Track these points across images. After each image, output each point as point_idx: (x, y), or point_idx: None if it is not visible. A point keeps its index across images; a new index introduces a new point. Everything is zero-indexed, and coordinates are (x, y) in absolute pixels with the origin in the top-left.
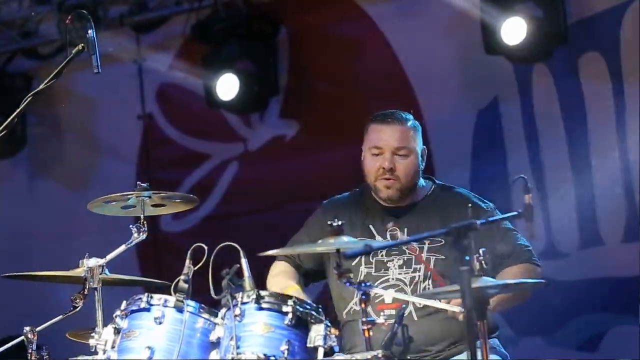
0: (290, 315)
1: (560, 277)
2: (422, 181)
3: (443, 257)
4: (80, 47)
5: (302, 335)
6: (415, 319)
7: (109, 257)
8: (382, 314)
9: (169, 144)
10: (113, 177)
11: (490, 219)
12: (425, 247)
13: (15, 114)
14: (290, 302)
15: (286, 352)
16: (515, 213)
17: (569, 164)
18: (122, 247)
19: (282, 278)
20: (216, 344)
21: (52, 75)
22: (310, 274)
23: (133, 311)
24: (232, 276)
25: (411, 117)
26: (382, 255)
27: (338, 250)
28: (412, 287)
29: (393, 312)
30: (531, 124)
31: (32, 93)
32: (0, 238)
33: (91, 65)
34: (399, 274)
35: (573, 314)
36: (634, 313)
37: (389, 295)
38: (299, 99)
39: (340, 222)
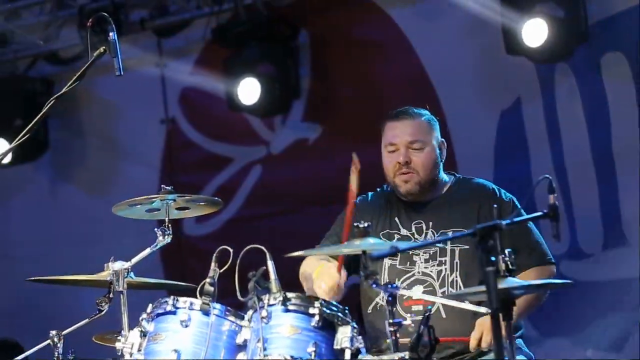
0: (317, 317)
1: (585, 277)
2: (444, 175)
3: (467, 247)
4: (101, 49)
5: (329, 337)
6: (444, 316)
7: (134, 260)
8: (410, 310)
9: (192, 147)
10: (136, 181)
11: (516, 219)
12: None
13: (37, 117)
14: (316, 304)
15: (313, 354)
16: (540, 213)
17: (592, 163)
18: (147, 251)
19: (315, 260)
20: (243, 347)
21: (74, 79)
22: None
23: (159, 314)
24: (259, 278)
25: (425, 111)
26: None
27: (364, 252)
28: (439, 281)
29: (420, 308)
30: (554, 124)
31: (54, 97)
32: (23, 242)
33: (113, 70)
34: (425, 267)
35: (598, 314)
36: None
37: (416, 295)
38: (321, 101)
39: (366, 224)
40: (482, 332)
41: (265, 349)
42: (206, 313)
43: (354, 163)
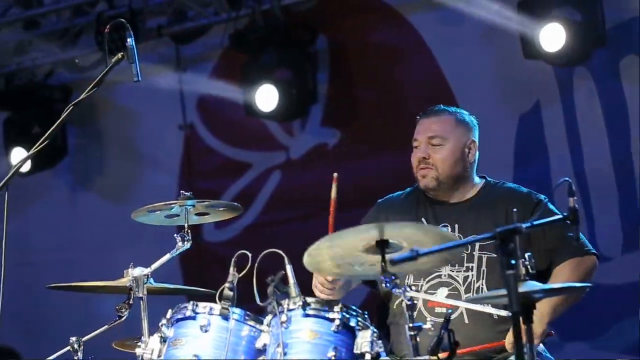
0: (336, 322)
1: (604, 281)
2: (475, 178)
3: (495, 255)
4: (119, 56)
5: (349, 342)
6: (467, 321)
7: (154, 266)
8: (434, 312)
9: (211, 153)
10: (155, 187)
11: (536, 222)
12: (477, 245)
13: (56, 124)
14: (336, 308)
15: (333, 358)
16: (560, 216)
17: (612, 167)
18: (167, 256)
19: None
20: (262, 351)
21: (92, 85)
22: None
23: (179, 320)
24: (278, 283)
25: (460, 111)
26: None
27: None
28: (465, 286)
29: (444, 310)
30: (573, 127)
31: (72, 103)
32: (43, 249)
33: (131, 76)
34: (451, 271)
35: (617, 318)
36: None
37: (442, 299)
38: (340, 106)
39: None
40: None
41: (285, 354)
42: (226, 318)
43: (334, 179)
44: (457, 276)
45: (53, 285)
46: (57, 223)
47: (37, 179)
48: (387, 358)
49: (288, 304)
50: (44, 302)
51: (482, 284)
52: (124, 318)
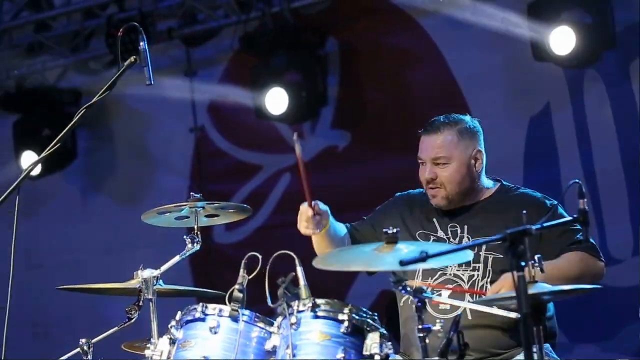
0: (346, 324)
1: (615, 283)
2: (487, 182)
3: (501, 256)
4: (132, 59)
5: (358, 343)
6: (469, 317)
7: (164, 268)
8: (438, 309)
9: (221, 156)
10: (165, 190)
11: (546, 224)
12: (484, 246)
13: (68, 127)
14: (346, 310)
15: None
16: (570, 218)
17: (622, 169)
18: (177, 258)
19: None
20: (272, 353)
21: (104, 88)
22: None
23: (188, 321)
24: (288, 285)
25: (459, 120)
26: None
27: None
28: (469, 284)
29: (448, 307)
30: (583, 130)
31: (85, 106)
32: (54, 251)
33: (142, 79)
34: (457, 270)
35: (628, 320)
36: None
37: (445, 299)
38: (350, 109)
39: (395, 230)
40: (502, 285)
41: (294, 355)
42: (235, 319)
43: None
44: (463, 275)
45: (63, 287)
46: (68, 225)
47: (47, 181)
48: (398, 357)
49: (298, 306)
50: (54, 304)
51: (487, 283)
52: (134, 320)
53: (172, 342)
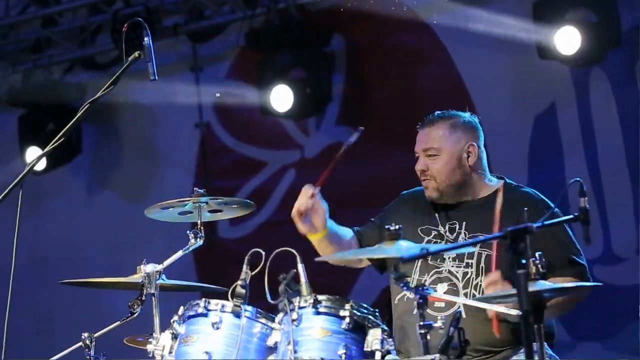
0: (347, 320)
1: (618, 281)
2: (490, 179)
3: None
4: (136, 54)
5: (359, 340)
6: (464, 316)
7: (167, 263)
8: (433, 306)
9: (227, 152)
10: (171, 185)
11: (547, 222)
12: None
13: (72, 122)
14: (347, 306)
15: (343, 356)
16: (571, 216)
17: (627, 168)
18: (179, 253)
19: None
20: (273, 349)
21: (108, 84)
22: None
23: (190, 316)
24: (289, 281)
25: (456, 115)
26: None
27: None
28: (464, 282)
29: (443, 304)
30: (589, 128)
31: (89, 101)
32: (59, 245)
33: (148, 75)
34: (452, 266)
35: (631, 318)
36: None
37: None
38: (355, 106)
39: (397, 227)
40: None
41: (295, 352)
42: (237, 315)
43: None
44: (457, 272)
45: (66, 281)
46: (72, 220)
47: (53, 176)
48: (397, 357)
49: (299, 302)
50: (58, 298)
51: (481, 281)
52: (136, 314)
53: (175, 337)
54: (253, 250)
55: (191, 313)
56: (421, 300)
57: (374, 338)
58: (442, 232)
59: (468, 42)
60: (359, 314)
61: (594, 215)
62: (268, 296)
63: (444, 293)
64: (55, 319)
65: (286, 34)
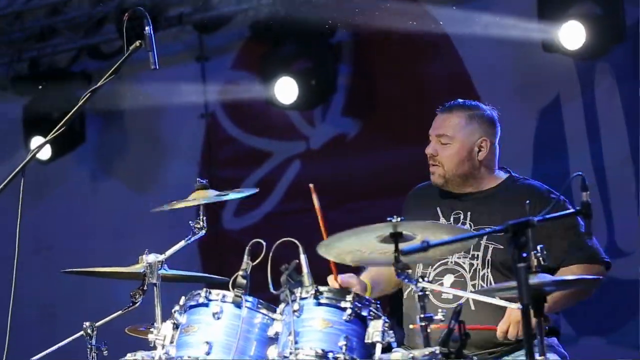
0: (348, 311)
1: (622, 275)
2: (497, 173)
3: (502, 247)
4: (137, 44)
5: (360, 331)
6: (473, 308)
7: (168, 253)
8: (440, 297)
9: (232, 142)
10: (176, 175)
11: (548, 216)
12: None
13: (73, 110)
14: (348, 297)
15: (344, 347)
16: (572, 210)
17: (631, 162)
18: (182, 243)
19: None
20: (274, 339)
21: (109, 73)
22: None
23: (191, 306)
24: (291, 272)
25: (474, 107)
26: None
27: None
28: (471, 273)
29: (451, 296)
30: (593, 122)
31: (89, 90)
32: (63, 235)
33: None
34: (458, 258)
35: (634, 313)
36: None
37: (447, 288)
38: (361, 97)
39: (399, 219)
40: (509, 323)
41: (296, 342)
42: (238, 306)
43: (312, 190)
44: (464, 263)
45: (68, 270)
46: (77, 209)
47: (57, 165)
48: (399, 349)
49: (301, 293)
50: (62, 287)
51: (488, 272)
52: (138, 304)
53: (176, 326)
54: (254, 240)
55: (192, 303)
56: (421, 293)
57: (374, 330)
58: (445, 224)
59: (473, 35)
60: (360, 305)
61: (597, 208)
62: (270, 286)
63: (451, 284)
64: (59, 308)
65: (291, 25)
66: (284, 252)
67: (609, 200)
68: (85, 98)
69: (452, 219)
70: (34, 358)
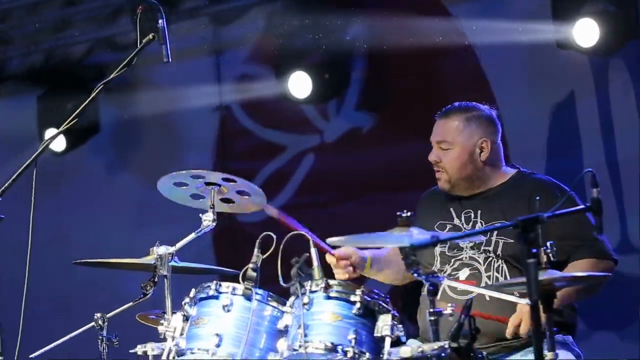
0: (358, 305)
1: (635, 271)
2: (505, 169)
3: (512, 241)
4: (150, 36)
5: (370, 325)
6: (487, 298)
7: (179, 245)
8: (456, 290)
9: (246, 135)
10: (189, 167)
11: (557, 212)
12: (495, 230)
13: (85, 103)
14: (358, 291)
15: (353, 341)
16: (582, 207)
17: None
18: (192, 235)
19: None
20: (284, 332)
21: (122, 65)
22: None
23: (202, 299)
24: (302, 265)
25: (470, 108)
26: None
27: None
28: (485, 266)
29: (466, 287)
30: (607, 118)
31: (102, 82)
32: (77, 226)
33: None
34: (473, 254)
35: None
36: None
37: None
38: (375, 92)
39: (409, 213)
40: (521, 318)
41: (306, 335)
42: (248, 298)
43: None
44: (479, 257)
45: (79, 261)
46: (92, 200)
47: (72, 157)
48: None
49: (310, 286)
50: (76, 277)
51: (502, 263)
52: (149, 296)
53: (186, 319)
54: (264, 233)
55: (202, 295)
56: (431, 287)
57: (384, 324)
58: (457, 224)
59: (489, 31)
60: (369, 299)
61: (610, 204)
62: (280, 279)
63: (466, 278)
64: (73, 298)
65: (305, 18)
66: (295, 245)
67: (623, 197)
68: (97, 90)
69: (463, 219)
70: (46, 348)
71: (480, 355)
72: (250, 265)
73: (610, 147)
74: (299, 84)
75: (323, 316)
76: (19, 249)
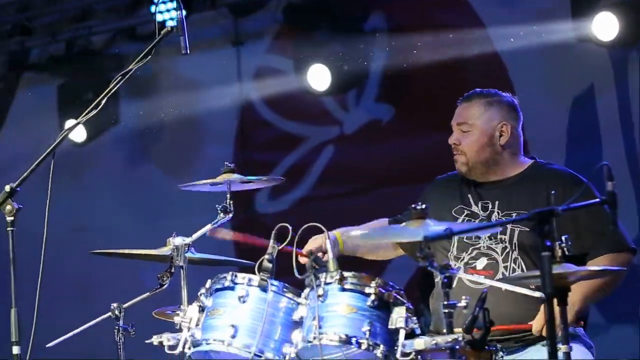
0: (372, 297)
1: None
2: (522, 159)
3: (527, 230)
4: (169, 28)
5: (384, 317)
6: (503, 290)
7: (195, 236)
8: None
9: (266, 126)
10: (210, 159)
11: (573, 205)
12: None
13: (104, 94)
14: (372, 283)
15: (368, 333)
16: (597, 200)
17: None
18: (208, 226)
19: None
20: (299, 324)
21: (141, 56)
22: None
23: (217, 290)
24: (316, 257)
25: (492, 94)
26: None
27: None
28: (503, 256)
29: (482, 277)
30: (627, 111)
31: (121, 73)
32: (98, 216)
33: (191, 47)
34: (490, 244)
35: None
36: None
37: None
38: (394, 83)
39: (424, 206)
40: (545, 321)
41: (320, 327)
42: (264, 289)
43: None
44: (496, 247)
45: (96, 251)
46: (113, 191)
47: (92, 148)
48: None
49: (325, 278)
50: (95, 267)
51: (519, 255)
52: (165, 286)
53: (202, 309)
54: (280, 224)
55: (218, 286)
56: (446, 280)
57: (398, 316)
58: (475, 210)
59: (508, 21)
60: (384, 291)
61: (630, 197)
62: (295, 271)
63: (484, 267)
64: (92, 288)
65: (324, 10)
66: (310, 236)
67: None
68: (116, 81)
69: (480, 206)
70: (62, 338)
71: (493, 348)
72: (266, 257)
73: (630, 140)
74: (318, 76)
75: (338, 308)
76: (38, 238)
